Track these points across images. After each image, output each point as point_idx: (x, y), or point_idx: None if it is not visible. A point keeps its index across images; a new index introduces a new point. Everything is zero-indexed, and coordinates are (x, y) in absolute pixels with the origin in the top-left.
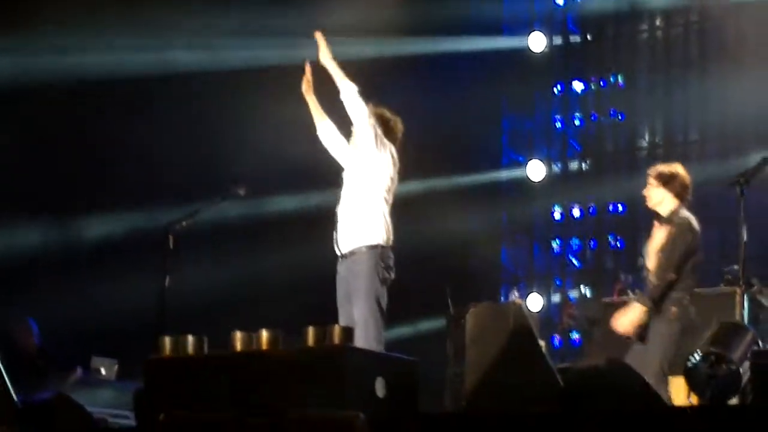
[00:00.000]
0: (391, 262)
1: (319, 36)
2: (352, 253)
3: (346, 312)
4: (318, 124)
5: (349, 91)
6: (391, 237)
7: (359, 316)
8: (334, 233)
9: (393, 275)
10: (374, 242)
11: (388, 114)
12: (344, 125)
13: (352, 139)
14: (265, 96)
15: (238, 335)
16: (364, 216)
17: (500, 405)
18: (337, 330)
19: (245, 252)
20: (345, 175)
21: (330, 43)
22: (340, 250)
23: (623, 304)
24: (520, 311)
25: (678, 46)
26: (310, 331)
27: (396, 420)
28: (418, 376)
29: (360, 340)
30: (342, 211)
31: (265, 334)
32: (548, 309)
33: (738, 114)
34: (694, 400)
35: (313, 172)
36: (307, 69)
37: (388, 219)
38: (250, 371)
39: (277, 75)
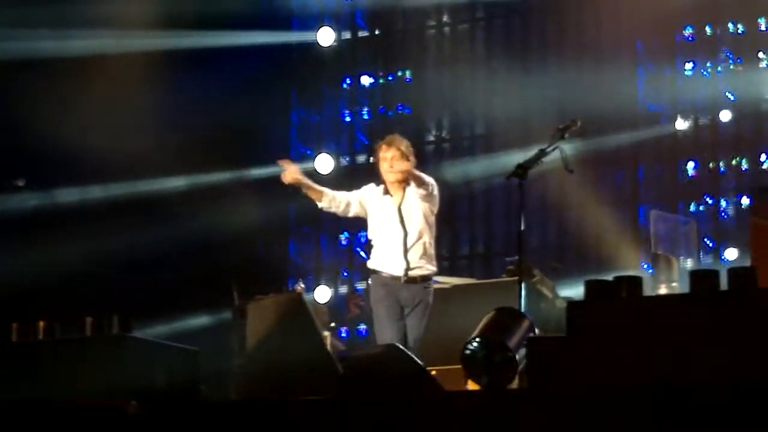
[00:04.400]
0: None
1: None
2: (424, 278)
3: (399, 328)
4: (323, 204)
5: (430, 184)
6: None
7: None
8: (397, 258)
9: None
10: (436, 268)
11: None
12: None
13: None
14: (49, 88)
15: (15, 326)
16: (430, 246)
17: (280, 393)
18: (116, 320)
19: (30, 243)
20: (390, 209)
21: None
22: (407, 274)
23: None
24: (301, 302)
25: (465, 42)
26: (88, 321)
27: (175, 408)
28: (198, 365)
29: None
30: (411, 240)
31: (41, 324)
32: (336, 300)
33: (523, 108)
34: (471, 386)
35: (96, 165)
36: (293, 169)
37: None
38: (26, 361)
39: (62, 67)
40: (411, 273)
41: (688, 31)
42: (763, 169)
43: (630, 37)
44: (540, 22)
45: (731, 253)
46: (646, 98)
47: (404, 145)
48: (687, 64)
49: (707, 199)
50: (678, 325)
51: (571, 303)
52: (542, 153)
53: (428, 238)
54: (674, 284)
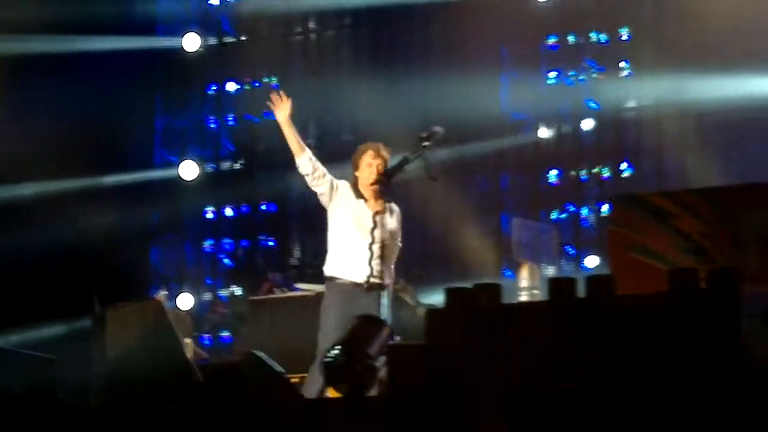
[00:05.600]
0: None
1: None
2: (381, 287)
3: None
4: (302, 159)
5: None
6: None
7: None
8: (361, 264)
9: None
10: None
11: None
12: None
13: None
14: None
15: None
16: (394, 259)
17: (139, 401)
18: None
19: None
20: (364, 214)
21: None
22: (369, 282)
23: (271, 301)
24: (161, 309)
25: (331, 50)
26: None
27: (34, 416)
28: (55, 374)
29: None
30: (378, 248)
31: None
32: (199, 308)
33: (389, 116)
34: (331, 393)
35: None
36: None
37: None
38: None
39: None
40: (372, 281)
41: (551, 40)
42: (624, 178)
43: (494, 45)
44: (406, 30)
45: (591, 261)
46: (509, 106)
47: (389, 155)
48: (550, 72)
49: (569, 207)
50: (536, 332)
51: (430, 310)
52: (405, 161)
53: (394, 252)
54: (536, 291)
